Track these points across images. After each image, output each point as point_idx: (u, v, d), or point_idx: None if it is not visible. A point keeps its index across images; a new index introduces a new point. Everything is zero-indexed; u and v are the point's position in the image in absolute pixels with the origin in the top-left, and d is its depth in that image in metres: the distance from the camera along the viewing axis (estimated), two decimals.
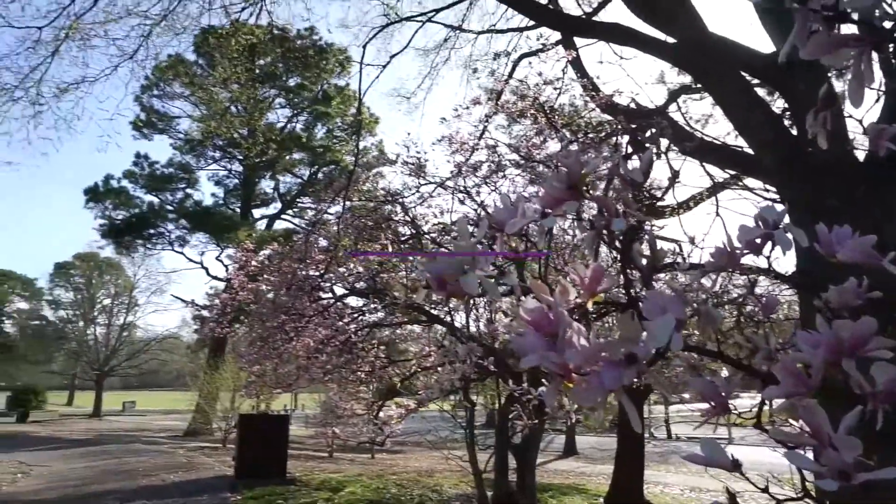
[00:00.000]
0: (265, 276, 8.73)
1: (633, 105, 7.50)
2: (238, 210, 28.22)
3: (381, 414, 7.49)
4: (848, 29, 0.54)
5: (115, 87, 70.73)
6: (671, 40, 4.63)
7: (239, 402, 18.66)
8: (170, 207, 27.70)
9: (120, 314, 39.88)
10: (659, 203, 7.18)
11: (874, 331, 0.69)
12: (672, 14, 4.47)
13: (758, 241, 0.98)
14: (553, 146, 6.79)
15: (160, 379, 57.19)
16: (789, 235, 0.93)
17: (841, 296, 1.09)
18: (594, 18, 7.61)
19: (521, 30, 8.26)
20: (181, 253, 28.59)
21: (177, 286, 70.45)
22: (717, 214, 7.44)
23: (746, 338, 1.20)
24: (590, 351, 0.63)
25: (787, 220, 0.99)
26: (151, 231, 27.61)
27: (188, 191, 28.03)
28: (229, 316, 10.02)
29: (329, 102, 25.07)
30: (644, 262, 0.81)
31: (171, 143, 27.44)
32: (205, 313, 22.88)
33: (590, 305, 0.83)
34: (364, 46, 7.09)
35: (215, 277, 27.80)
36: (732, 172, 7.12)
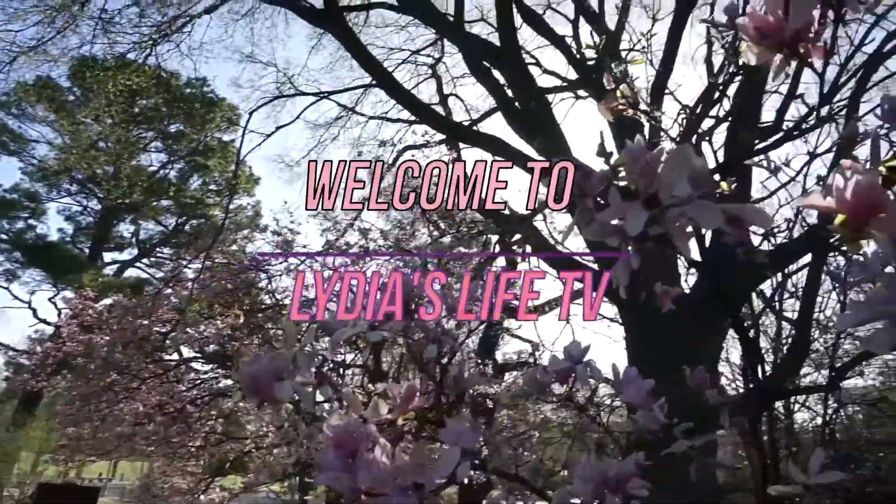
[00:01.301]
0: (102, 326, 8.00)
1: (505, 209, 8.02)
2: (86, 251, 25.83)
3: (203, 497, 6.88)
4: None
5: None
6: (542, 159, 5.10)
7: (43, 468, 16.32)
8: (3, 236, 24.80)
9: None
10: (514, 304, 7.56)
11: (633, 472, 0.80)
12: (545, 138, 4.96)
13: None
14: (423, 237, 7.04)
15: None
16: (588, 372, 1.06)
17: (644, 420, 1.25)
18: (477, 126, 8.15)
19: (409, 122, 8.63)
20: (6, 289, 25.36)
21: None
22: (567, 321, 7.99)
23: (554, 460, 1.31)
24: (382, 475, 0.67)
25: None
26: None
27: (31, 221, 25.25)
28: (51, 367, 8.95)
29: (209, 155, 24.29)
30: (453, 387, 0.88)
31: (20, 168, 24.91)
32: (22, 360, 20.23)
33: (400, 422, 0.87)
34: (250, 114, 7.01)
35: (43, 321, 24.77)
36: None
